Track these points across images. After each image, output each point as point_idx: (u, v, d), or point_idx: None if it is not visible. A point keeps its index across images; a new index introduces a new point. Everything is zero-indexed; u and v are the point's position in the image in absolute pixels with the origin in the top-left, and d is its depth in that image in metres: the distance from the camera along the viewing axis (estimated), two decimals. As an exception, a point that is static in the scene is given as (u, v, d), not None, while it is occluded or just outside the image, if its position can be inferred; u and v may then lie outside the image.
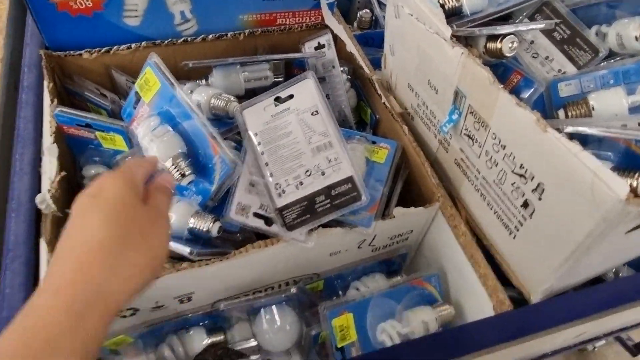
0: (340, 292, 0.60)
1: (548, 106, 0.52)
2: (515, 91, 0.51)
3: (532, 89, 0.50)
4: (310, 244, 0.49)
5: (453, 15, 0.54)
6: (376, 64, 0.73)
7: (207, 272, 0.48)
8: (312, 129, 0.51)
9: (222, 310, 0.51)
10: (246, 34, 0.68)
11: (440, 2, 0.53)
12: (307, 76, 0.54)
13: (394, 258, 0.61)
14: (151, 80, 0.53)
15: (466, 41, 0.52)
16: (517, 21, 0.54)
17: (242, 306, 0.52)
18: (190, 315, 0.54)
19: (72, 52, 0.63)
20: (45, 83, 0.58)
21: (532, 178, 0.44)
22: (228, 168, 0.49)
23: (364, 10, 0.83)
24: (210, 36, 0.67)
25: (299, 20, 0.71)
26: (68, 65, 0.64)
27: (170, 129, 0.51)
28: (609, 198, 0.36)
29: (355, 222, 0.51)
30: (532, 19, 0.54)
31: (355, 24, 0.85)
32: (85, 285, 0.27)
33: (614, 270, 0.59)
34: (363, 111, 0.69)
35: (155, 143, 0.50)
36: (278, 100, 0.54)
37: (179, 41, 0.65)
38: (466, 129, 0.51)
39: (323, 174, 0.49)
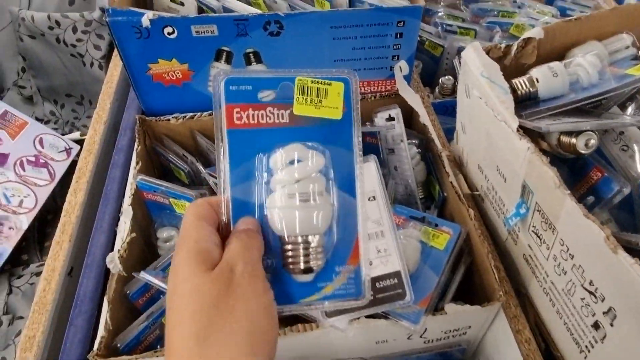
0: (389, 380, 0.57)
1: (638, 209, 0.45)
2: (594, 190, 0.45)
3: (614, 190, 0.43)
4: (350, 334, 0.47)
5: (528, 100, 0.50)
6: (452, 133, 0.70)
7: (247, 349, 0.48)
8: (366, 215, 0.50)
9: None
10: (319, 103, 0.70)
11: (513, 86, 0.50)
12: (369, 159, 0.53)
13: (451, 351, 0.56)
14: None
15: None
16: (603, 110, 0.48)
17: (280, 385, 0.51)
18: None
19: (162, 117, 0.69)
20: (135, 145, 0.65)
21: (603, 299, 0.38)
22: (356, 293, 0.36)
23: (446, 77, 0.80)
24: (285, 104, 0.69)
25: (373, 89, 0.71)
26: (159, 129, 0.71)
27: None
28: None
29: (401, 316, 0.48)
30: (622, 107, 0.48)
31: (437, 90, 0.83)
32: None
33: None
34: (432, 186, 0.66)
35: (300, 212, 0.35)
36: (338, 178, 0.54)
37: (255, 109, 0.69)
38: (534, 227, 0.46)
39: (370, 264, 0.48)
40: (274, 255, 0.36)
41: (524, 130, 0.45)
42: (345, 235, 0.37)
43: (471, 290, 0.58)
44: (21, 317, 0.60)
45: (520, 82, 0.49)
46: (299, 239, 0.35)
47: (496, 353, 0.53)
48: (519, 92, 0.49)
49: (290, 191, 0.34)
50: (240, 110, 0.35)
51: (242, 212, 0.35)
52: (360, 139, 0.37)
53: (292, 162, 0.35)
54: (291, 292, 0.36)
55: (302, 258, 0.35)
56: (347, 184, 0.37)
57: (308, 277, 0.36)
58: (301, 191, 0.34)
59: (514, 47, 0.54)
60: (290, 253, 0.35)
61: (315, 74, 0.37)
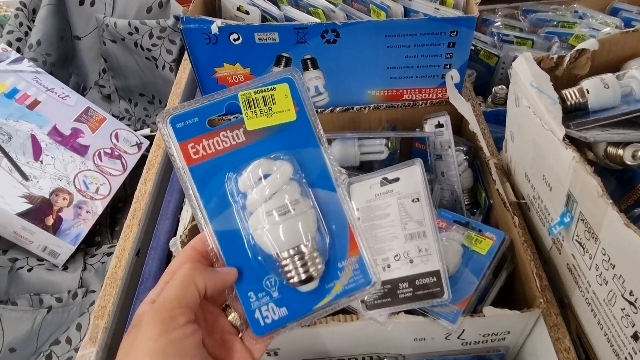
0: (425, 379, 0.58)
1: (688, 223, 0.44)
2: (642, 202, 0.45)
3: (663, 203, 0.43)
4: (389, 328, 0.49)
5: (577, 110, 0.50)
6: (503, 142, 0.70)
7: (291, 334, 0.51)
8: (409, 215, 0.53)
9: (302, 371, 0.54)
10: (371, 107, 0.73)
11: (563, 96, 0.50)
12: (415, 163, 0.55)
13: (489, 355, 0.57)
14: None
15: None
16: (656, 122, 0.48)
17: (320, 372, 0.55)
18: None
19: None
20: (199, 142, 0.71)
21: (643, 310, 0.38)
22: (366, 282, 0.36)
23: (499, 87, 0.81)
24: (338, 109, 0.73)
25: (424, 96, 0.73)
26: (220, 127, 0.76)
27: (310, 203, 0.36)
28: None
29: (439, 314, 0.50)
30: (677, 120, 0.47)
31: (489, 99, 0.84)
32: None
33: None
34: (479, 193, 0.67)
35: (283, 226, 0.34)
36: (385, 180, 0.57)
37: (310, 112, 0.73)
38: (577, 236, 0.47)
39: (411, 261, 0.50)
40: (276, 273, 0.36)
41: (571, 140, 0.46)
42: (338, 230, 0.37)
43: (513, 299, 0.58)
44: (93, 291, 0.67)
45: (570, 93, 0.50)
46: (291, 252, 0.34)
47: (535, 361, 0.54)
48: (569, 103, 0.49)
49: (267, 209, 0.34)
50: (195, 144, 0.34)
51: (228, 242, 0.35)
52: (322, 131, 0.36)
53: (260, 179, 0.35)
54: (303, 302, 0.36)
55: (300, 269, 0.35)
56: (323, 180, 0.36)
57: (312, 285, 0.36)
58: (277, 205, 0.34)
59: (567, 58, 0.54)
60: (287, 268, 0.35)
61: (256, 83, 0.35)
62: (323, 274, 0.36)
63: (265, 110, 0.35)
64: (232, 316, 0.37)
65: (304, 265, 0.35)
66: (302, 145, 0.36)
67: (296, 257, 0.35)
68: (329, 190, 0.37)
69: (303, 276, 0.35)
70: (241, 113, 0.35)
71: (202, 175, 0.35)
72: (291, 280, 0.35)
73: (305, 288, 0.35)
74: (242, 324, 0.36)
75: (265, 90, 0.35)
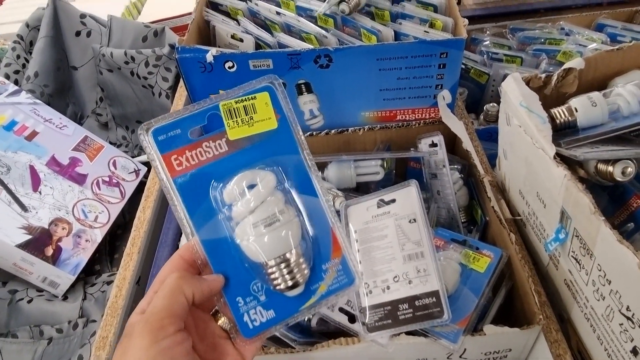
0: (429, 399, 0.58)
1: (681, 236, 0.45)
2: (634, 217, 0.46)
3: (655, 218, 0.44)
4: (391, 349, 0.49)
5: (567, 128, 0.51)
6: (496, 159, 0.71)
7: (293, 359, 0.51)
8: (407, 236, 0.53)
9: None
10: (365, 129, 0.74)
11: (552, 115, 0.52)
12: (410, 184, 0.56)
13: (492, 374, 0.57)
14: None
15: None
16: (644, 138, 0.49)
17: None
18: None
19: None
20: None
21: (640, 325, 0.38)
22: (349, 281, 0.37)
23: (490, 104, 0.82)
24: (333, 131, 0.74)
25: (418, 116, 0.75)
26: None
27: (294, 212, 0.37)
28: None
29: (440, 334, 0.50)
30: (665, 135, 0.48)
31: (481, 117, 0.85)
32: None
33: None
34: (475, 210, 0.68)
35: (268, 236, 0.35)
36: (382, 201, 0.58)
37: (305, 134, 0.74)
38: (573, 252, 0.47)
39: (410, 282, 0.50)
40: (262, 279, 0.37)
41: (563, 158, 0.47)
42: (321, 234, 0.38)
43: (513, 315, 0.59)
44: (94, 321, 0.67)
45: (559, 111, 0.51)
46: (278, 260, 0.35)
47: (538, 378, 0.54)
48: (558, 121, 0.50)
49: (253, 220, 0.35)
50: (178, 155, 0.35)
51: (215, 250, 0.36)
52: (303, 137, 0.37)
53: (244, 191, 0.35)
54: (290, 304, 0.37)
55: (287, 276, 0.36)
56: (305, 186, 0.37)
57: (298, 291, 0.37)
58: (262, 217, 0.35)
59: (555, 77, 0.56)
60: (273, 276, 0.36)
61: (237, 92, 0.36)
62: (310, 272, 0.37)
63: (247, 120, 0.36)
64: (222, 321, 0.38)
65: (290, 272, 0.36)
66: (284, 152, 0.37)
67: (282, 265, 0.36)
68: (311, 196, 0.38)
69: (289, 283, 0.36)
70: (223, 125, 0.36)
71: (186, 186, 0.35)
72: (277, 287, 0.36)
73: (291, 293, 0.37)
74: (232, 327, 0.38)
75: (246, 100, 0.36)
